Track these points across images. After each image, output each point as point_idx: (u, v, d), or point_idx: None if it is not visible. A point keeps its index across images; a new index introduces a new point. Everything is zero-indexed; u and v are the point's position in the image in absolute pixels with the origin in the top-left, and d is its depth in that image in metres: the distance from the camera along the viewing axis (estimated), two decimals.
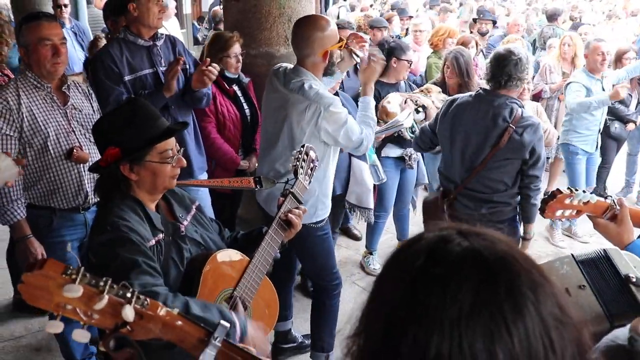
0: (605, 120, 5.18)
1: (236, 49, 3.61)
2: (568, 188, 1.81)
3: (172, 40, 3.34)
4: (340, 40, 2.91)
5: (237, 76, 3.69)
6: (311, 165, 2.27)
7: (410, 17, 7.87)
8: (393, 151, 4.14)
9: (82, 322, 0.91)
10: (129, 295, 0.92)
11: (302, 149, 2.26)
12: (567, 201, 1.77)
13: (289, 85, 2.84)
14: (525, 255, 0.71)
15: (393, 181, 4.24)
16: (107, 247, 1.70)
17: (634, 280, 1.27)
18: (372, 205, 3.76)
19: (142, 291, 1.61)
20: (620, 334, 1.00)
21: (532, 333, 0.64)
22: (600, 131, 5.00)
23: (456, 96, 3.40)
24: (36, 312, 3.64)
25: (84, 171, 2.71)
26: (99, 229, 1.80)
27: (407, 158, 4.16)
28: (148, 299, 0.96)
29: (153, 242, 1.80)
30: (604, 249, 1.45)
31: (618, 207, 1.73)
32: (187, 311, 1.65)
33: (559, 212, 1.80)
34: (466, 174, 3.20)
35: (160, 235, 1.83)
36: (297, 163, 2.22)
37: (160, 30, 3.28)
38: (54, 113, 2.66)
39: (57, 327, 0.90)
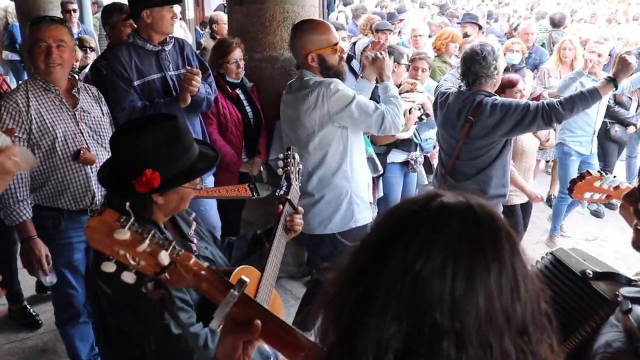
0: (606, 123, 5.21)
1: (237, 54, 3.62)
2: (598, 171, 1.82)
3: (180, 44, 3.36)
4: (332, 45, 2.83)
5: (240, 80, 3.72)
6: (298, 168, 2.24)
7: (401, 20, 7.89)
8: (398, 156, 4.18)
9: (130, 267, 1.05)
10: (167, 244, 1.07)
11: (288, 152, 2.20)
12: (597, 184, 1.77)
13: (293, 88, 2.91)
14: (506, 221, 0.81)
15: (398, 187, 4.27)
16: None
17: (591, 275, 1.26)
18: (371, 199, 3.76)
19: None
20: (616, 340, 1.00)
21: (505, 277, 0.74)
22: (596, 133, 5.00)
23: (443, 87, 3.48)
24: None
25: (92, 172, 2.74)
26: None
27: (412, 162, 4.20)
28: (183, 250, 1.09)
29: None
30: (551, 253, 1.43)
31: None
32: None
33: (587, 195, 1.80)
34: (447, 162, 3.36)
35: (153, 231, 1.74)
36: (288, 168, 2.16)
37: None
38: (62, 115, 2.69)
39: (111, 267, 1.05)
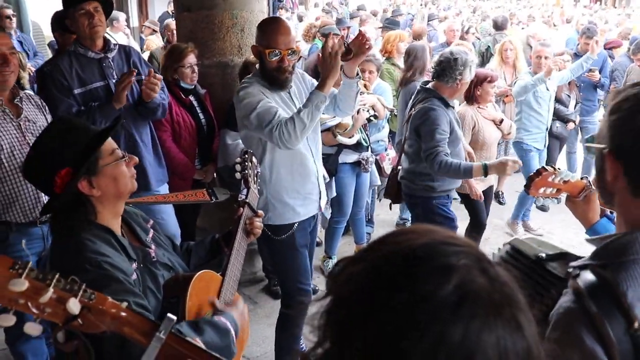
0: None
1: (191, 59, 3.62)
2: (551, 166, 1.91)
3: (127, 51, 3.30)
4: (271, 48, 2.67)
5: (193, 86, 3.71)
6: (256, 171, 2.25)
7: (349, 27, 8.03)
8: (350, 157, 4.22)
9: (34, 316, 0.93)
10: (75, 288, 0.93)
11: (246, 156, 2.21)
12: (550, 179, 1.86)
13: None
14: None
15: (351, 187, 4.32)
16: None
17: (544, 257, 1.34)
18: None
19: None
20: (566, 301, 1.07)
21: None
22: (548, 130, 5.29)
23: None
24: None
25: None
26: (74, 268, 1.50)
27: (363, 162, 4.25)
28: (95, 293, 0.97)
29: (135, 275, 1.64)
30: (508, 243, 1.51)
31: (593, 188, 1.82)
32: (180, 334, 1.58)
33: (541, 190, 1.89)
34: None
35: (135, 265, 1.68)
36: (246, 171, 2.17)
37: (118, 40, 3.24)
38: (6, 126, 2.62)
39: (9, 320, 0.91)
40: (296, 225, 2.93)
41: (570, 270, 1.11)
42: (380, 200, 5.44)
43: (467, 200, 4.13)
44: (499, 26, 8.12)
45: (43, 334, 2.94)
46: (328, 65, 2.61)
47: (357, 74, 2.80)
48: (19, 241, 2.66)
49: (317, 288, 4.28)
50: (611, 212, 1.81)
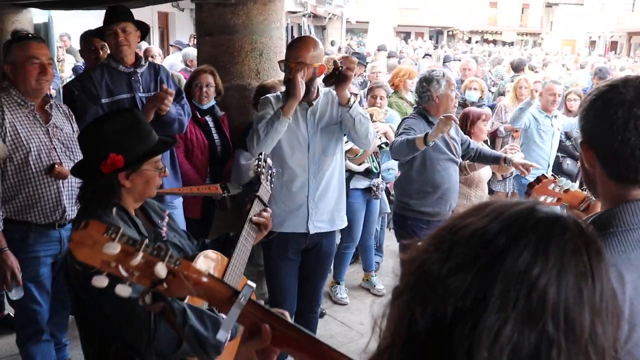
0: (559, 157, 5.52)
1: (202, 79, 3.76)
2: (552, 174, 1.97)
3: (156, 68, 3.47)
4: (283, 60, 2.92)
5: (209, 107, 3.83)
6: (270, 171, 2.38)
7: (366, 64, 8.28)
8: (361, 183, 4.29)
9: (124, 279, 1.00)
10: (162, 254, 1.01)
11: (260, 156, 2.36)
12: (551, 187, 1.92)
13: None
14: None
15: (361, 212, 4.37)
16: None
17: None
18: None
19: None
20: None
21: (603, 298, 0.75)
22: (550, 166, 5.29)
23: None
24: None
25: (63, 187, 2.77)
26: None
27: (374, 189, 4.31)
28: (180, 259, 1.03)
29: None
30: None
31: (594, 199, 1.88)
32: (184, 320, 1.64)
33: (542, 198, 1.94)
34: None
35: (146, 241, 1.78)
36: (259, 170, 2.32)
37: None
38: (36, 130, 2.74)
39: (103, 281, 0.99)
40: (275, 233, 3.00)
41: None
42: (390, 229, 5.48)
43: None
44: (515, 68, 8.30)
45: (52, 340, 3.00)
46: (290, 88, 2.84)
47: (348, 102, 2.90)
48: (37, 242, 2.75)
49: (324, 312, 4.30)
50: None
